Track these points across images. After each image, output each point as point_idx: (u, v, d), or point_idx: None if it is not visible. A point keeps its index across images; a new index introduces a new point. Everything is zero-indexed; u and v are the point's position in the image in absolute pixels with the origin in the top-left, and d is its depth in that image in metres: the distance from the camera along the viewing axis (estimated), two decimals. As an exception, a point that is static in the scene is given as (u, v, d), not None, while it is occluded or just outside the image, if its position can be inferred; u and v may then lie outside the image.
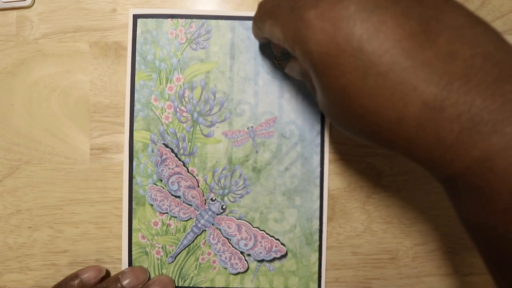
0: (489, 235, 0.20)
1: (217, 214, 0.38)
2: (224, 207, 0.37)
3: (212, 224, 0.38)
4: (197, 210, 0.38)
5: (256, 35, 0.31)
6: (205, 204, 0.38)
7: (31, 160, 0.38)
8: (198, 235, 0.38)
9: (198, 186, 0.37)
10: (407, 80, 0.20)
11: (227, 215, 0.38)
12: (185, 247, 0.38)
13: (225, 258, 0.37)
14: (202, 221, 0.37)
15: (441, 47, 0.20)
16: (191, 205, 0.37)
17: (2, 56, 0.38)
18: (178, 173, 0.37)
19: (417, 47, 0.20)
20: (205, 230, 0.38)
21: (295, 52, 0.24)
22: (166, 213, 0.37)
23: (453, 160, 0.20)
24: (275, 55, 0.37)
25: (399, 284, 0.38)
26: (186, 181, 0.37)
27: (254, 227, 0.38)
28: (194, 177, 0.37)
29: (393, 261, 0.38)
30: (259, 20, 0.28)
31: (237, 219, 0.38)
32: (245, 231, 0.38)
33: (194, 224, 0.37)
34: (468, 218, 0.21)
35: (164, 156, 0.37)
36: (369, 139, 0.23)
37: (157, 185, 0.37)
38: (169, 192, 0.37)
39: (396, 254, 0.38)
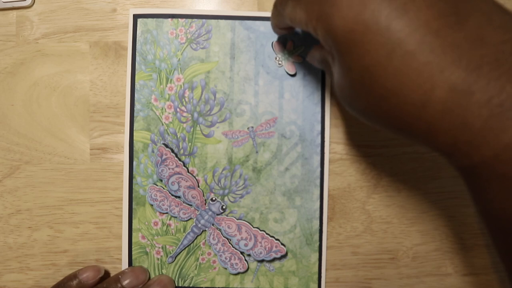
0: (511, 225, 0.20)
1: (217, 214, 0.37)
2: (224, 207, 0.37)
3: (212, 224, 0.38)
4: (197, 210, 0.38)
5: (276, 24, 0.31)
6: (205, 204, 0.38)
7: (31, 160, 0.38)
8: (198, 235, 0.38)
9: (198, 186, 0.37)
10: (434, 61, 0.19)
11: (227, 215, 0.38)
12: (185, 247, 0.38)
13: (225, 258, 0.37)
14: (202, 221, 0.37)
15: (471, 30, 0.20)
16: (191, 205, 0.37)
17: (2, 56, 0.38)
18: (178, 173, 0.37)
19: (446, 28, 0.20)
20: (205, 230, 0.38)
21: (318, 32, 0.24)
22: (166, 213, 0.37)
23: (481, 146, 0.19)
24: (276, 55, 0.37)
25: (399, 284, 0.38)
26: (186, 181, 0.37)
27: (254, 227, 0.37)
28: (194, 177, 0.37)
29: (393, 261, 0.38)
30: (280, 4, 0.28)
31: (237, 219, 0.38)
32: (245, 231, 0.37)
33: (194, 224, 0.37)
34: (489, 207, 0.21)
35: (164, 156, 0.37)
36: (387, 124, 0.23)
37: (157, 185, 0.37)
38: (169, 192, 0.37)
39: (396, 254, 0.38)
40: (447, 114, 0.20)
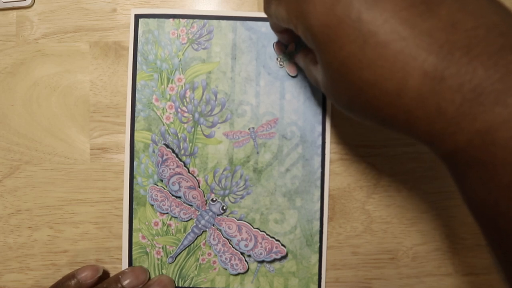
0: (491, 212, 0.20)
1: (217, 215, 0.37)
2: (224, 207, 0.37)
3: (213, 225, 0.38)
4: (198, 211, 0.38)
5: (271, 26, 0.31)
6: (205, 204, 0.38)
7: (31, 160, 0.38)
8: (199, 236, 0.38)
9: (199, 187, 0.37)
10: (406, 50, 0.20)
11: (227, 216, 0.38)
12: (186, 248, 0.38)
13: (225, 258, 0.37)
14: (202, 222, 0.37)
15: (443, 17, 0.20)
16: (191, 205, 0.37)
17: (2, 56, 0.38)
18: (179, 173, 0.37)
19: (416, 17, 0.20)
20: (206, 231, 0.38)
21: (298, 30, 0.24)
22: (167, 213, 0.37)
23: (455, 133, 0.19)
24: (277, 56, 0.37)
25: (399, 284, 0.38)
26: (187, 182, 0.37)
27: (254, 228, 0.37)
28: (195, 177, 0.37)
29: (393, 261, 0.38)
30: (265, 4, 0.29)
31: (237, 220, 0.38)
32: (246, 232, 0.37)
33: (194, 224, 0.37)
34: (470, 195, 0.21)
35: (165, 157, 0.37)
36: (370, 115, 0.23)
37: (157, 185, 0.37)
38: (170, 193, 0.37)
39: (396, 254, 0.38)
40: (421, 102, 0.20)
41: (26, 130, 0.38)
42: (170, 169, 0.37)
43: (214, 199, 0.37)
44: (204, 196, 0.37)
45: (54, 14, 0.38)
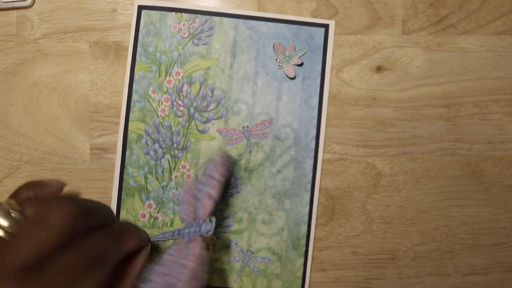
0: None
1: (200, 234, 0.33)
2: (210, 232, 0.33)
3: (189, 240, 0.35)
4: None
5: None
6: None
7: (31, 160, 0.38)
8: (175, 239, 0.35)
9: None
10: None
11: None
12: (159, 241, 0.36)
13: None
14: (186, 230, 0.34)
15: None
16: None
17: (2, 56, 0.38)
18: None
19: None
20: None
21: None
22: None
23: None
24: (277, 56, 0.37)
25: (399, 284, 0.38)
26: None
27: None
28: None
29: (393, 261, 0.38)
30: None
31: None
32: None
33: (180, 227, 0.34)
34: None
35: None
36: None
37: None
38: None
39: (396, 254, 0.38)
40: None
41: (26, 130, 0.38)
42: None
43: (211, 219, 0.33)
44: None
45: (54, 14, 0.38)
